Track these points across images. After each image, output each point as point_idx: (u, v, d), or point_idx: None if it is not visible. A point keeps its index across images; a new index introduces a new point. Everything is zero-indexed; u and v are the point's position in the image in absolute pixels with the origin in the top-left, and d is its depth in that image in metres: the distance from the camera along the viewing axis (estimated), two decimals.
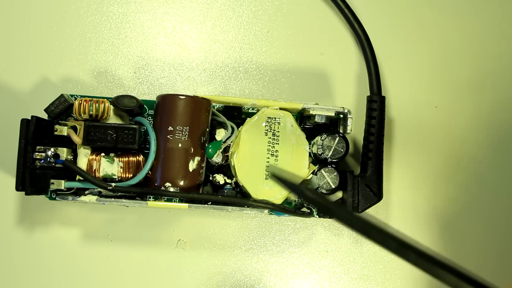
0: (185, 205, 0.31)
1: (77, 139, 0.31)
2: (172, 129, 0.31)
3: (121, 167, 0.32)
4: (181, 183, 0.31)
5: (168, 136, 0.31)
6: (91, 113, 0.31)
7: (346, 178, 0.33)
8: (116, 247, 0.36)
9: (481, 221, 0.37)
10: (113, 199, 0.31)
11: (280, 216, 0.35)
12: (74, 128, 0.32)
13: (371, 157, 0.33)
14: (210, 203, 0.31)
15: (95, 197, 0.31)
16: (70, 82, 0.37)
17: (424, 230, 0.36)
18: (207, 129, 0.32)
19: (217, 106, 0.34)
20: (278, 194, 0.31)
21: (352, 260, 0.37)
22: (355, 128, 0.36)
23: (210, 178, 0.33)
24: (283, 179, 0.26)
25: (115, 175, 0.31)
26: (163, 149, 0.31)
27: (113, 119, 0.32)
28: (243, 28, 0.38)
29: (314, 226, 0.37)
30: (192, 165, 0.31)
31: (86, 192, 0.32)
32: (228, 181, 0.33)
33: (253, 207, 0.31)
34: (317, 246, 0.37)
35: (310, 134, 0.33)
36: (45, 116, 0.32)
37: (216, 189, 0.33)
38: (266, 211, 0.31)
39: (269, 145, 0.32)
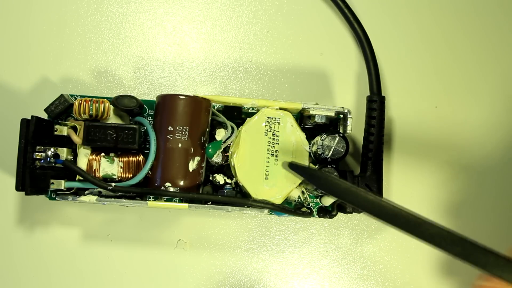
0: (185, 205, 0.31)
1: (77, 139, 0.31)
2: (172, 129, 0.31)
3: (121, 167, 0.32)
4: (181, 183, 0.31)
5: (168, 136, 0.31)
6: (91, 113, 0.31)
7: (346, 178, 0.33)
8: (116, 247, 0.36)
9: (482, 221, 0.37)
10: (113, 199, 0.31)
11: (280, 216, 0.35)
12: (74, 128, 0.32)
13: (371, 157, 0.34)
14: (210, 203, 0.31)
15: (95, 197, 0.31)
16: (70, 82, 0.37)
17: None
18: (207, 129, 0.32)
19: (217, 106, 0.34)
20: (278, 194, 0.31)
21: (352, 260, 0.37)
22: (355, 128, 0.36)
23: (210, 178, 0.33)
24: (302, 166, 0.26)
25: (115, 175, 0.31)
26: (163, 149, 0.31)
27: (113, 119, 0.32)
28: (243, 28, 0.38)
29: (314, 226, 0.37)
30: (192, 165, 0.31)
31: (86, 192, 0.32)
32: (228, 181, 0.33)
33: (253, 207, 0.31)
34: (317, 246, 0.37)
35: (310, 134, 0.33)
36: (45, 116, 0.32)
37: (216, 189, 0.33)
38: (266, 211, 0.31)
39: (269, 145, 0.32)
